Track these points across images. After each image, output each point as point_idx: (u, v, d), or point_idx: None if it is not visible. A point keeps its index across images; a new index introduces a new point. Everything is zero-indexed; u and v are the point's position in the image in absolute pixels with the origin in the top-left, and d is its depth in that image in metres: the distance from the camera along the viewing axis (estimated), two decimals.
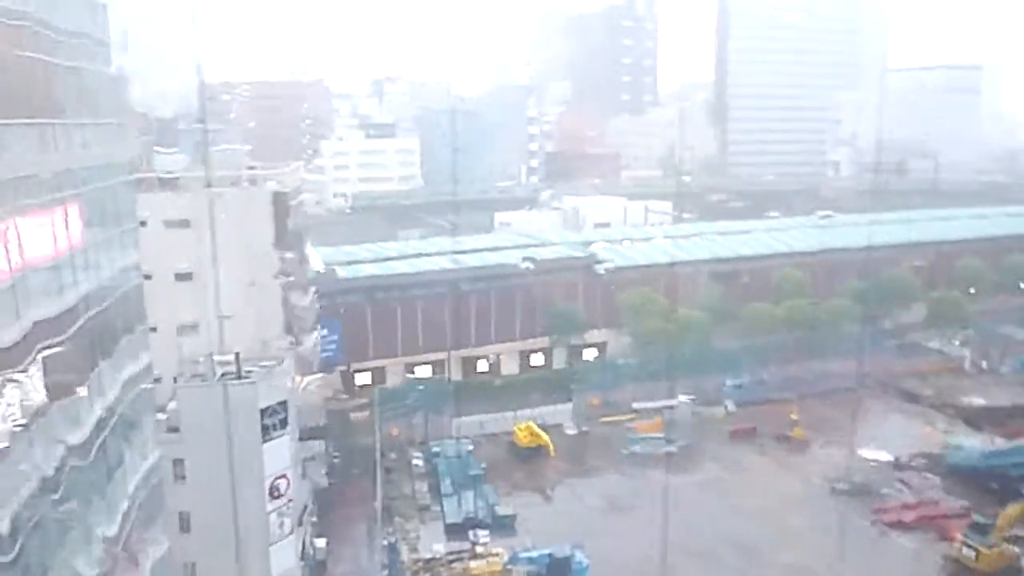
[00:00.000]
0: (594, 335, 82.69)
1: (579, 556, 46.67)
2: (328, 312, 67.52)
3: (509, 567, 47.71)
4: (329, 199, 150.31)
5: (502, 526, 53.69)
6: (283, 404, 41.71)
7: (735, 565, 48.97)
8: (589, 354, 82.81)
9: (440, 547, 50.77)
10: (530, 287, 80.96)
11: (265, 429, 40.10)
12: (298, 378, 50.17)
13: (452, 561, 48.55)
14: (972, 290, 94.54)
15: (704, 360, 76.38)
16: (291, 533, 42.33)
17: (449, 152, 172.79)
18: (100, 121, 27.44)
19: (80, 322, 23.91)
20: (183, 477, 38.76)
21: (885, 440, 63.86)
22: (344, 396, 71.82)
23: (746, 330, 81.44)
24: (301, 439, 48.35)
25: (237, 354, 41.38)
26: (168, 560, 31.99)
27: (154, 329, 34.73)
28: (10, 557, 18.73)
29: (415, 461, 63.52)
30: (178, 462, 38.46)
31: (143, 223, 38.17)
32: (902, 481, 58.88)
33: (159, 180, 50.91)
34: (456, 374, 76.65)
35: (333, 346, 69.01)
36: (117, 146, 29.65)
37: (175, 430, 38.93)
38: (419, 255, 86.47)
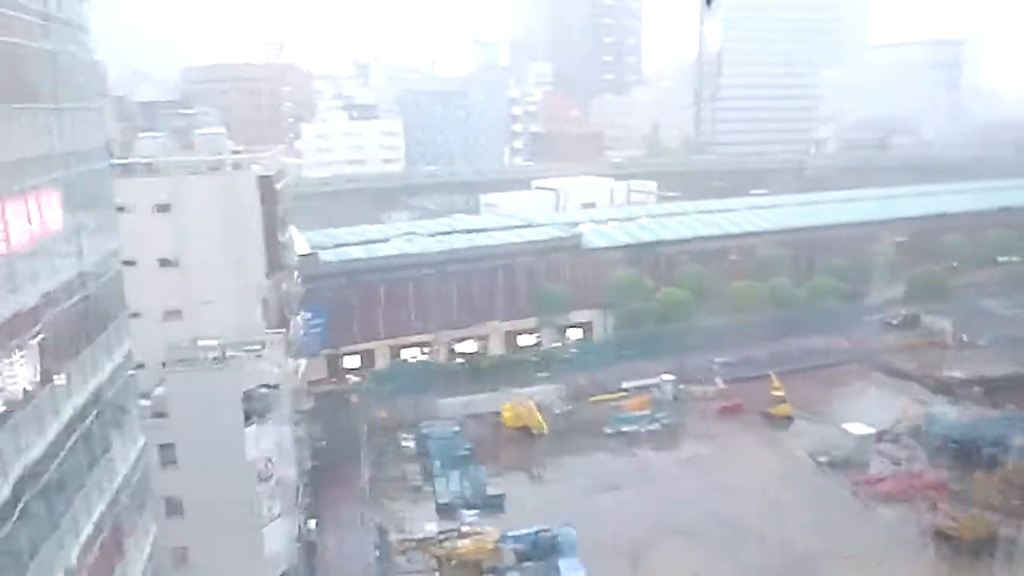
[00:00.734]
0: (581, 315, 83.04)
1: (566, 534, 47.10)
2: (313, 296, 67.45)
3: (499, 546, 48.10)
4: (312, 182, 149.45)
5: (492, 506, 54.19)
6: (269, 388, 41.83)
7: (718, 540, 49.56)
8: (575, 334, 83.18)
9: (432, 527, 51.13)
10: (516, 268, 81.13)
11: (251, 413, 40.15)
12: (284, 362, 50.15)
13: (443, 540, 48.89)
14: (955, 264, 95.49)
15: (690, 338, 76.93)
16: (282, 515, 42.50)
17: (432, 134, 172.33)
18: (78, 105, 27.20)
19: (60, 309, 23.81)
20: (173, 462, 38.71)
21: (868, 413, 64.54)
22: (331, 379, 71.92)
23: (732, 308, 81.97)
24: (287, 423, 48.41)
25: (220, 340, 41.33)
26: (157, 545, 32.09)
27: (138, 315, 34.56)
28: None
29: (405, 443, 63.79)
30: (167, 447, 38.39)
31: (125, 209, 37.93)
32: (884, 453, 59.70)
33: (141, 165, 50.48)
34: (444, 355, 76.85)
35: (319, 329, 68.97)
36: (96, 131, 29.42)
37: (162, 415, 38.91)
38: (405, 236, 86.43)
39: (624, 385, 72.59)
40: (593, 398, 71.28)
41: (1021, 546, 46.90)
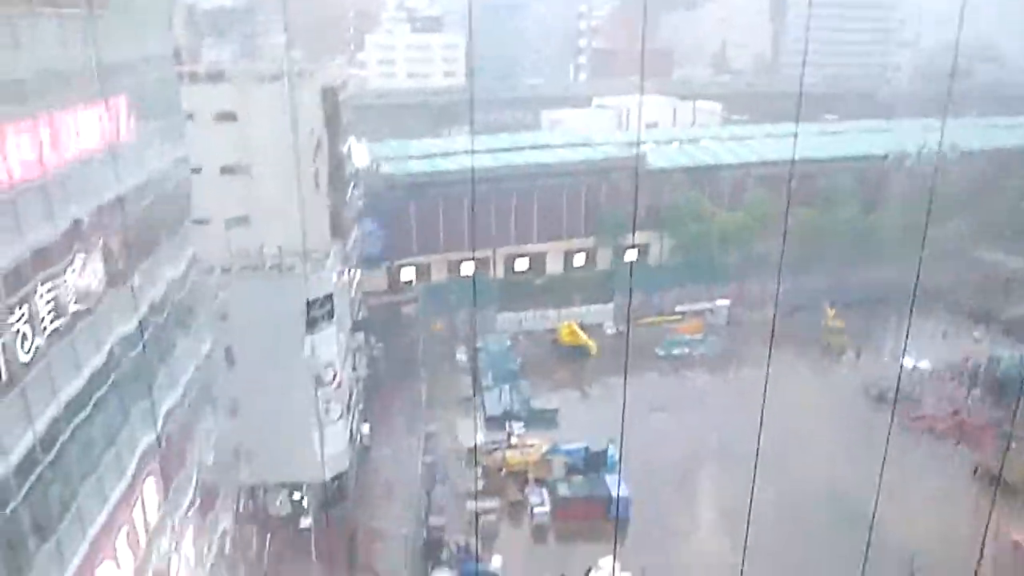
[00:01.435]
0: (639, 237, 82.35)
1: (612, 450, 48.02)
2: (372, 208, 68.12)
3: (548, 458, 49.32)
4: (374, 93, 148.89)
5: (543, 420, 55.33)
6: (329, 297, 42.85)
7: (761, 467, 49.59)
8: (632, 255, 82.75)
9: (480, 437, 52.52)
10: (576, 187, 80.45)
11: (312, 321, 41.31)
12: (343, 271, 51.19)
13: (492, 451, 50.27)
14: None
15: (748, 264, 75.89)
16: (339, 419, 44.08)
17: (497, 48, 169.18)
18: (144, 13, 27.47)
19: (131, 213, 24.58)
20: (233, 363, 40.22)
21: (928, 350, 63.49)
22: (388, 290, 73.12)
23: (792, 237, 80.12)
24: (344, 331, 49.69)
25: (283, 248, 42.30)
26: (219, 443, 33.71)
27: (203, 221, 35.30)
28: (67, 435, 19.82)
29: (458, 356, 65.06)
30: (227, 349, 39.84)
31: (190, 116, 38.47)
32: (941, 391, 58.90)
33: (207, 73, 50.85)
34: (500, 272, 77.38)
35: (377, 241, 69.89)
36: (164, 38, 29.75)
37: (224, 318, 40.17)
38: (464, 151, 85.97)
39: (678, 308, 72.43)
40: (647, 319, 71.36)
41: None
